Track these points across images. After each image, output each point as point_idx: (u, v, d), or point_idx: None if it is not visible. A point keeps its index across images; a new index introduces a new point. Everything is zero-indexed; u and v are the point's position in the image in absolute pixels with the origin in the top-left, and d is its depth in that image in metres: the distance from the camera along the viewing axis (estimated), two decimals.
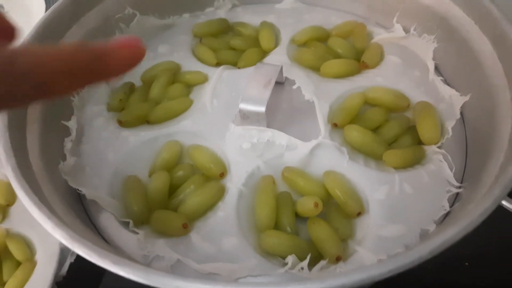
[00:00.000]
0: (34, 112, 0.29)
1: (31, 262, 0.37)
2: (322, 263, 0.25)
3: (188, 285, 0.17)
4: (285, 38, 0.39)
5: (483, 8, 0.31)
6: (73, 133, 0.31)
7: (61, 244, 0.36)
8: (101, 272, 0.39)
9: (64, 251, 0.37)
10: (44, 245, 0.37)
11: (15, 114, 0.26)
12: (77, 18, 0.34)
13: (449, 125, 0.31)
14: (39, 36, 0.30)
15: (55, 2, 0.49)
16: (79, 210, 0.27)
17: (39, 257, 0.37)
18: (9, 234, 0.38)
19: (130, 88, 0.36)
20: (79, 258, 0.37)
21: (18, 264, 0.37)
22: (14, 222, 0.39)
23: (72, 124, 0.32)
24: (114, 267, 0.18)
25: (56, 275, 0.35)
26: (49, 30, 0.31)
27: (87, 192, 0.28)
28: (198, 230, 0.27)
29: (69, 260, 0.36)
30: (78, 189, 0.28)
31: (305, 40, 0.39)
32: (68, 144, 0.30)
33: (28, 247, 0.38)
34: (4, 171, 0.41)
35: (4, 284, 0.36)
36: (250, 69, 0.36)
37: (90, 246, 0.19)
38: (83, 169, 0.30)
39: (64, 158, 0.30)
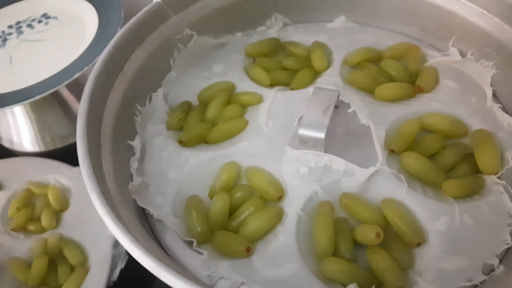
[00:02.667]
0: (106, 132, 0.30)
1: (85, 267, 0.38)
2: None
3: None
4: (337, 59, 0.39)
5: None
6: (138, 153, 0.33)
7: (112, 250, 0.38)
8: (151, 277, 0.40)
9: (115, 257, 0.38)
10: (96, 251, 0.39)
11: (92, 135, 0.28)
12: (141, 41, 0.35)
13: (509, 155, 0.31)
14: (107, 63, 0.32)
15: (108, 13, 0.52)
16: (147, 230, 0.29)
17: (91, 262, 0.38)
18: (63, 239, 0.40)
19: (188, 107, 0.37)
20: (129, 264, 0.38)
21: (72, 268, 0.39)
22: (67, 228, 0.42)
23: (136, 143, 0.33)
24: None
25: (108, 280, 0.37)
26: (117, 54, 0.33)
27: (154, 211, 0.29)
28: (259, 253, 0.28)
29: (120, 266, 0.38)
30: (146, 209, 0.29)
31: (357, 61, 0.39)
32: (134, 163, 0.32)
33: (81, 252, 0.39)
34: (57, 177, 0.44)
35: (59, 287, 0.38)
36: (304, 91, 0.36)
37: (176, 275, 0.20)
38: (147, 189, 0.31)
39: (131, 178, 0.31)
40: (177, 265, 0.26)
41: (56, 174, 0.45)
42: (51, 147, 0.51)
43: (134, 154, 0.33)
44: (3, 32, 0.53)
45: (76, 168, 0.45)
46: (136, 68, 0.35)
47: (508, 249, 0.27)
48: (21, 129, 0.51)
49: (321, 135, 0.30)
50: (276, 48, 0.42)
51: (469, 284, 0.25)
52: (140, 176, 0.31)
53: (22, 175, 0.45)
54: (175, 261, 0.27)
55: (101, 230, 0.39)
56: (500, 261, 0.26)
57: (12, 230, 0.41)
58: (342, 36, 0.42)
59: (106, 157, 0.29)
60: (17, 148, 0.52)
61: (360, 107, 0.34)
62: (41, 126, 0.51)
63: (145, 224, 0.29)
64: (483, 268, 0.26)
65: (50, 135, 0.51)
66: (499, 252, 0.27)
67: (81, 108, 0.28)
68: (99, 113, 0.30)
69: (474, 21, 0.36)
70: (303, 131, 0.31)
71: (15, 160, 0.47)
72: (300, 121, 0.32)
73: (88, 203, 0.41)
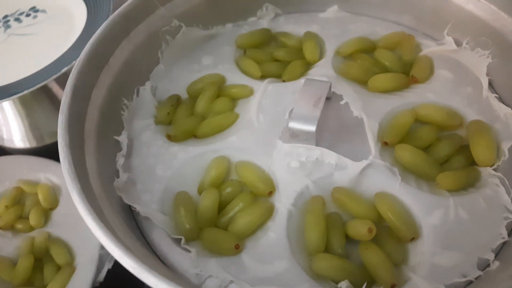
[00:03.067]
0: (90, 128, 0.29)
1: (71, 266, 0.38)
2: None
3: None
4: (329, 49, 0.38)
5: None
6: (124, 148, 0.32)
7: (100, 250, 0.37)
8: (139, 279, 0.39)
9: (102, 257, 0.37)
10: (84, 250, 0.38)
11: (75, 132, 0.27)
12: (126, 34, 0.34)
13: (505, 146, 0.30)
14: (91, 56, 0.31)
15: (96, 6, 0.51)
16: (132, 227, 0.28)
17: (78, 262, 0.38)
18: (50, 238, 0.40)
19: (177, 101, 0.36)
20: (116, 265, 0.37)
21: (58, 268, 0.38)
22: (56, 226, 0.41)
23: (122, 138, 0.32)
24: None
25: (94, 281, 0.36)
26: (101, 47, 0.32)
27: (141, 209, 0.28)
28: (249, 250, 0.27)
29: (107, 266, 0.37)
30: (132, 207, 0.28)
31: (350, 52, 0.38)
32: (120, 159, 0.31)
33: (68, 251, 0.39)
34: (48, 175, 0.44)
35: (44, 287, 0.37)
36: (296, 83, 0.36)
37: (158, 277, 0.19)
38: (134, 185, 0.30)
39: (117, 174, 0.30)
40: (162, 265, 0.26)
41: (47, 172, 0.44)
42: (41, 143, 0.51)
43: (120, 150, 0.32)
44: None
45: None
46: (122, 61, 0.34)
47: (504, 243, 0.26)
48: (11, 125, 0.50)
49: (312, 128, 0.30)
50: (268, 39, 0.41)
51: (463, 279, 0.25)
52: (126, 172, 0.31)
53: (13, 174, 0.44)
54: (163, 259, 0.27)
55: (89, 230, 0.38)
56: (496, 256, 0.26)
57: (0, 228, 0.40)
58: (334, 26, 0.41)
59: (90, 154, 0.28)
60: (7, 144, 0.51)
61: (353, 99, 0.33)
62: (31, 122, 0.50)
63: (131, 222, 0.29)
64: (478, 263, 0.25)
65: (40, 131, 0.50)
66: (494, 247, 0.26)
67: (63, 104, 0.27)
68: (83, 108, 0.29)
69: (470, 8, 0.35)
70: (293, 124, 0.30)
71: (6, 159, 0.47)
72: (291, 114, 0.31)
73: None
